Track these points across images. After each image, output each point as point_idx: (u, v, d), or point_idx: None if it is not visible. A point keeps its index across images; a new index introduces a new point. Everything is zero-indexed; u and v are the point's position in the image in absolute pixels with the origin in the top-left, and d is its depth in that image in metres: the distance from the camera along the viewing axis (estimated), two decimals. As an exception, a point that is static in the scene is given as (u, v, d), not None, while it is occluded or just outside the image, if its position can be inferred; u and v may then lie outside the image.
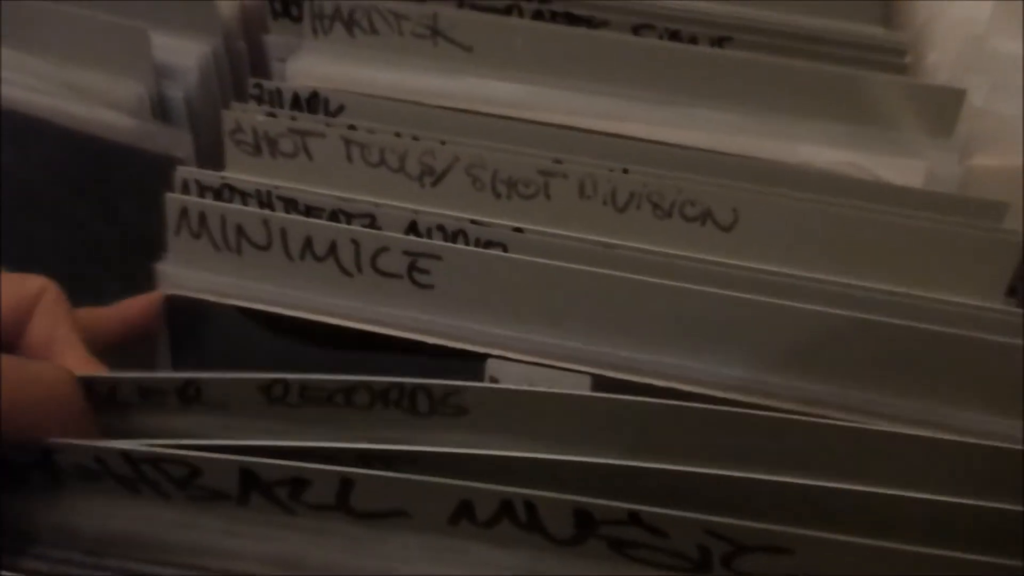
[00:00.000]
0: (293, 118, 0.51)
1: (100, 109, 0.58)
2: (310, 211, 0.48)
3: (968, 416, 0.45)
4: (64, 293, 0.44)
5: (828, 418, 0.41)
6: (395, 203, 0.49)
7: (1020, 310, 0.47)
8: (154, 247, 0.51)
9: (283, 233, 0.47)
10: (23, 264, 0.50)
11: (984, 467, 0.38)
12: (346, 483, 0.35)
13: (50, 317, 0.43)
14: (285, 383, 0.39)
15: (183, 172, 0.49)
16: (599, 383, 0.46)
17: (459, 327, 0.47)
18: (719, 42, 0.59)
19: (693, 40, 0.59)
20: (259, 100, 0.54)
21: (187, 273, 0.49)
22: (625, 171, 0.49)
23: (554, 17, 0.60)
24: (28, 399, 0.36)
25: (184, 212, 0.48)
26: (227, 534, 0.38)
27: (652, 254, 0.47)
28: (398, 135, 0.50)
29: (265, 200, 0.49)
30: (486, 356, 0.47)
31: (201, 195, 0.49)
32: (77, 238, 0.62)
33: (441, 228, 0.48)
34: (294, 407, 0.39)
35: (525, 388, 0.38)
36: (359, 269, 0.47)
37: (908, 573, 0.34)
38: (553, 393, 0.38)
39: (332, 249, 0.47)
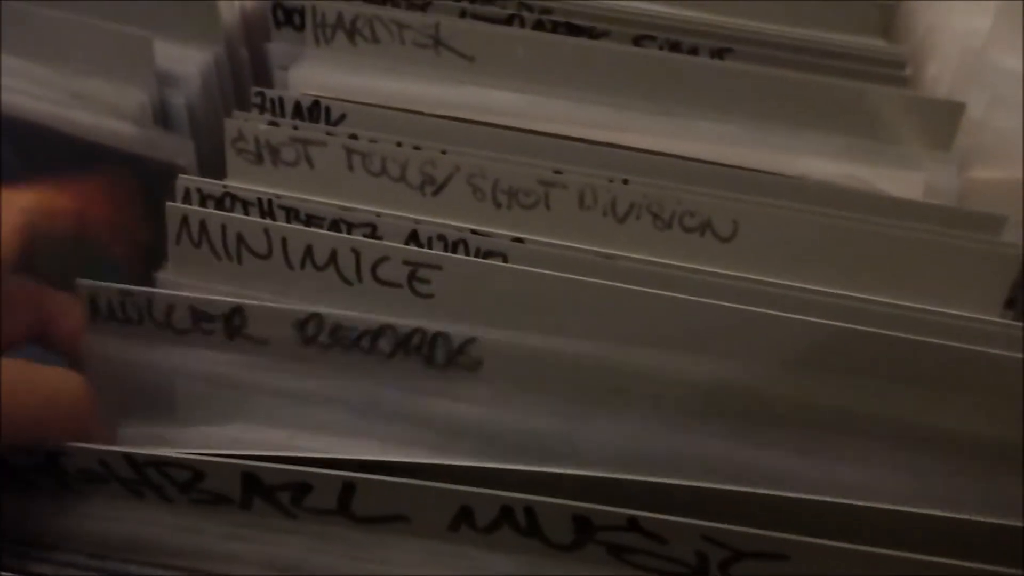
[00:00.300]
0: (295, 127, 0.51)
1: (103, 117, 0.58)
2: (311, 220, 0.49)
3: (968, 430, 0.45)
4: None
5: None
6: (396, 212, 0.49)
7: (1020, 324, 0.47)
8: (156, 256, 0.51)
9: (283, 242, 0.47)
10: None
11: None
12: (348, 488, 0.36)
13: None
14: (320, 319, 0.42)
15: (184, 181, 0.49)
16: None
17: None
18: (720, 53, 0.59)
19: (694, 51, 0.59)
20: (261, 109, 0.54)
21: (187, 282, 0.49)
22: (625, 182, 0.49)
23: (555, 27, 0.60)
24: (37, 404, 0.36)
25: (184, 220, 0.48)
26: (229, 538, 0.38)
27: (652, 264, 0.47)
28: (399, 144, 0.50)
29: (266, 209, 0.49)
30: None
31: (203, 204, 0.49)
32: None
33: (442, 238, 0.48)
34: (325, 348, 0.42)
35: (540, 343, 0.41)
36: (359, 278, 0.47)
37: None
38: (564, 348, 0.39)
39: (332, 258, 0.47)
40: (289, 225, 0.48)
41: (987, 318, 0.47)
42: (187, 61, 0.60)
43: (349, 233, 0.48)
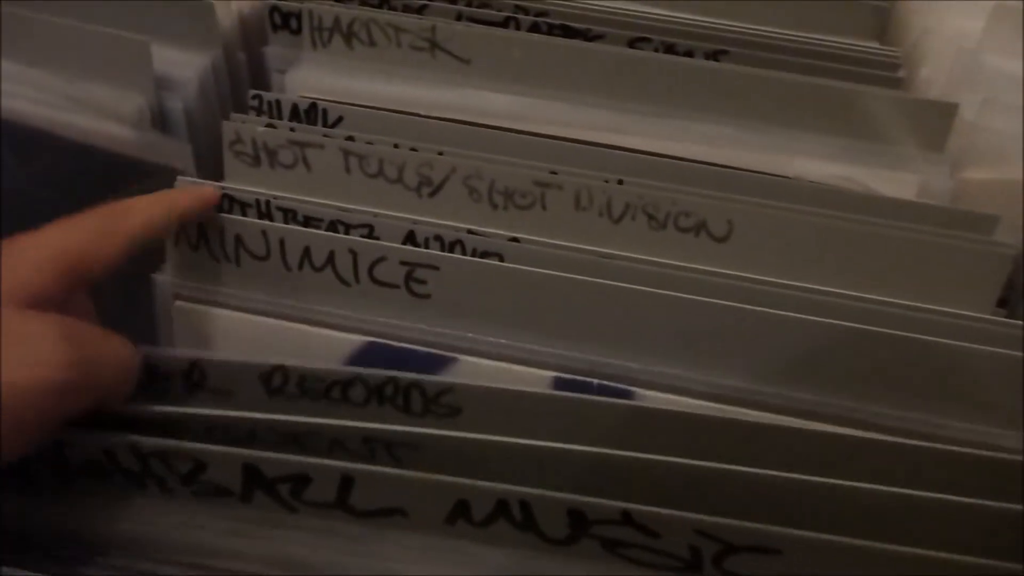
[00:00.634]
0: (292, 129, 0.51)
1: (101, 121, 0.58)
2: (309, 221, 0.49)
3: (965, 427, 0.46)
4: None
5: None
6: (393, 213, 0.49)
7: (1019, 322, 0.47)
8: (154, 259, 0.51)
9: (281, 243, 0.47)
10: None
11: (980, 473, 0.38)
12: (346, 480, 0.36)
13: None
14: (285, 371, 0.40)
15: (182, 183, 0.49)
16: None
17: (455, 336, 0.48)
18: (715, 55, 0.59)
19: (689, 53, 0.59)
20: (258, 111, 0.55)
21: (185, 284, 0.50)
22: (620, 182, 0.49)
23: (551, 30, 0.60)
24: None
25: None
26: (231, 534, 0.38)
27: (647, 264, 0.48)
28: (396, 146, 0.51)
29: (264, 210, 0.49)
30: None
31: (200, 205, 0.49)
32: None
33: (439, 238, 0.48)
34: (293, 399, 0.40)
35: (520, 388, 0.39)
36: (356, 279, 0.47)
37: (898, 573, 0.35)
38: (547, 394, 0.38)
39: (330, 259, 0.47)
40: (287, 226, 0.48)
41: (981, 316, 0.47)
42: (185, 65, 0.60)
43: (347, 234, 0.49)
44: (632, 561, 0.36)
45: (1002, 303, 0.49)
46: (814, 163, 0.55)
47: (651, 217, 0.49)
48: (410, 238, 0.48)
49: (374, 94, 0.58)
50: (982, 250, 0.48)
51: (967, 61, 0.59)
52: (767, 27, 0.62)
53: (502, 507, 0.35)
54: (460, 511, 0.36)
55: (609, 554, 0.36)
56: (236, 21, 0.64)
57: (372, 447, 0.37)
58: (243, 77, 0.64)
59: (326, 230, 0.49)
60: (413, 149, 0.50)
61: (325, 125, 0.54)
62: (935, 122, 0.55)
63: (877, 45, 0.63)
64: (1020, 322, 0.47)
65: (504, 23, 0.60)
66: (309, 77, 0.59)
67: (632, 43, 0.59)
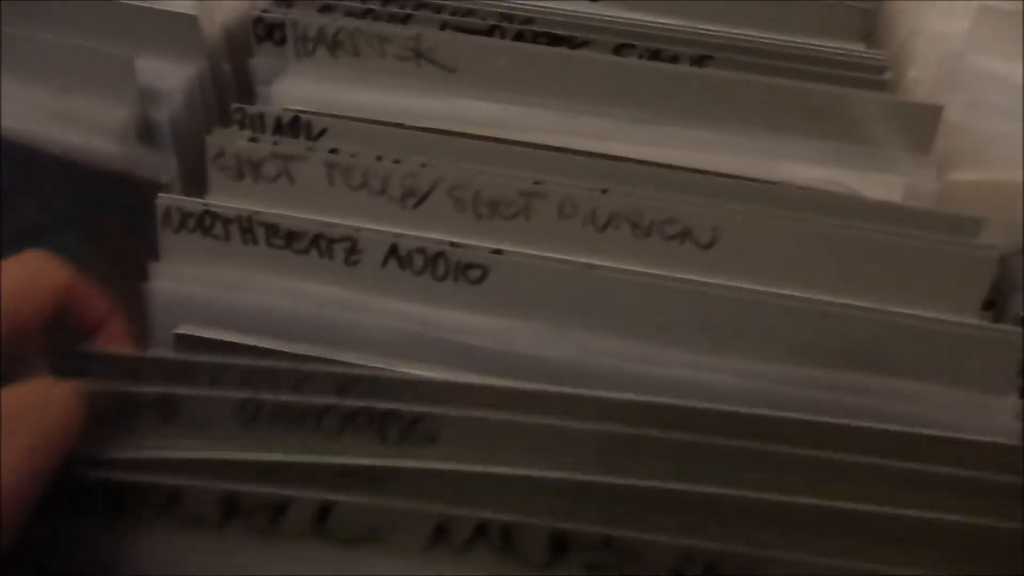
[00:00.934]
0: (275, 142, 0.51)
1: (85, 135, 0.58)
2: (291, 236, 0.49)
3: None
4: None
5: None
6: (376, 227, 0.49)
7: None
8: (141, 271, 0.51)
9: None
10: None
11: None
12: (324, 509, 0.36)
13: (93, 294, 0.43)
14: (258, 403, 0.39)
15: (165, 200, 0.49)
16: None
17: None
18: (700, 61, 0.59)
19: (674, 59, 0.59)
20: (241, 125, 0.55)
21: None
22: (604, 191, 0.49)
23: (536, 38, 0.60)
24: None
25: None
26: (206, 565, 0.38)
27: (632, 274, 0.47)
28: (380, 158, 0.50)
29: (246, 226, 0.49)
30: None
31: (183, 222, 0.49)
32: (65, 263, 0.62)
33: (421, 251, 0.48)
34: (267, 428, 0.40)
35: (497, 415, 0.38)
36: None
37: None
38: (525, 421, 0.38)
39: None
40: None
41: (974, 321, 0.47)
42: (170, 77, 0.60)
43: (330, 247, 0.49)
44: (615, 585, 0.36)
45: (989, 305, 0.49)
46: (800, 167, 0.55)
47: (635, 225, 0.49)
48: (393, 251, 0.48)
49: (359, 104, 0.57)
50: (968, 253, 0.48)
51: (953, 63, 0.59)
52: (752, 31, 0.62)
53: (481, 532, 0.35)
54: (439, 536, 0.36)
55: (591, 577, 0.36)
56: (221, 32, 0.63)
57: (348, 479, 0.37)
58: (229, 89, 0.63)
59: (309, 244, 0.49)
60: (397, 160, 0.50)
61: (308, 138, 0.54)
62: (921, 124, 0.55)
63: (863, 48, 0.62)
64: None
65: (489, 31, 0.60)
66: (294, 88, 0.59)
67: (617, 50, 0.59)
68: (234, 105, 0.55)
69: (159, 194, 0.50)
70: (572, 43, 0.60)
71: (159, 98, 0.59)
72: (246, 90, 0.63)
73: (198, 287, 0.50)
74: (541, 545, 0.35)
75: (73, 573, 0.39)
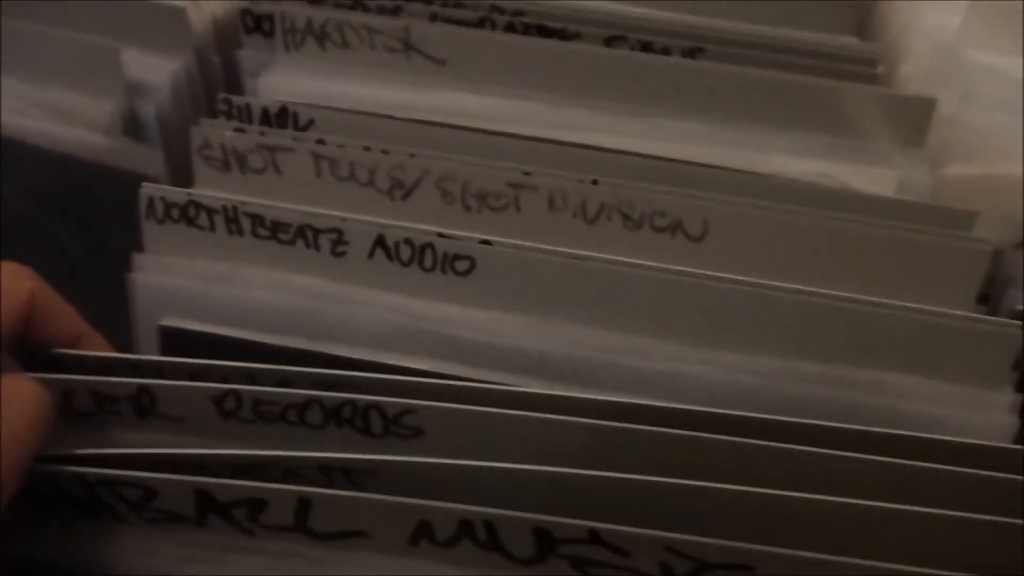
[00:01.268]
0: (262, 133, 0.51)
1: (72, 127, 0.58)
2: (277, 226, 0.48)
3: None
4: None
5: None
6: (362, 217, 0.49)
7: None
8: (128, 264, 0.50)
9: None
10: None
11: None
12: (304, 503, 0.35)
13: (65, 308, 0.42)
14: (238, 396, 0.39)
15: (148, 189, 0.49)
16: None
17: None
18: (692, 53, 0.58)
19: (666, 51, 0.59)
20: (228, 116, 0.54)
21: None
22: (595, 183, 0.48)
23: (526, 29, 0.60)
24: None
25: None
26: (186, 560, 0.37)
27: (622, 265, 0.47)
28: (367, 149, 0.50)
29: (232, 216, 0.48)
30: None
31: (167, 212, 0.49)
32: (53, 256, 0.62)
33: (408, 242, 0.47)
34: (247, 423, 0.39)
35: (482, 409, 0.38)
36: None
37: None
38: (511, 414, 0.37)
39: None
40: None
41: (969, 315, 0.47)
42: (157, 69, 0.59)
43: (316, 237, 0.48)
44: (603, 580, 0.35)
45: (982, 299, 0.49)
46: (792, 160, 0.55)
47: (626, 217, 0.49)
48: (380, 242, 0.48)
49: (348, 96, 0.57)
50: (961, 246, 0.47)
51: (946, 56, 0.58)
52: (744, 24, 0.61)
53: (466, 527, 0.35)
54: (423, 532, 0.35)
55: (578, 573, 0.35)
56: (209, 24, 0.63)
57: (329, 474, 0.36)
58: (217, 81, 0.63)
59: (294, 235, 0.48)
60: (384, 152, 0.50)
61: (296, 128, 0.54)
62: (913, 117, 0.55)
63: (856, 41, 0.62)
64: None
65: (479, 23, 0.60)
66: (283, 80, 0.58)
67: (608, 42, 0.59)
68: (221, 96, 0.54)
69: (142, 185, 0.49)
70: (563, 35, 0.60)
71: (146, 91, 0.59)
72: (234, 83, 0.62)
73: (182, 279, 0.50)
74: (526, 540, 0.35)
75: (48, 569, 0.39)
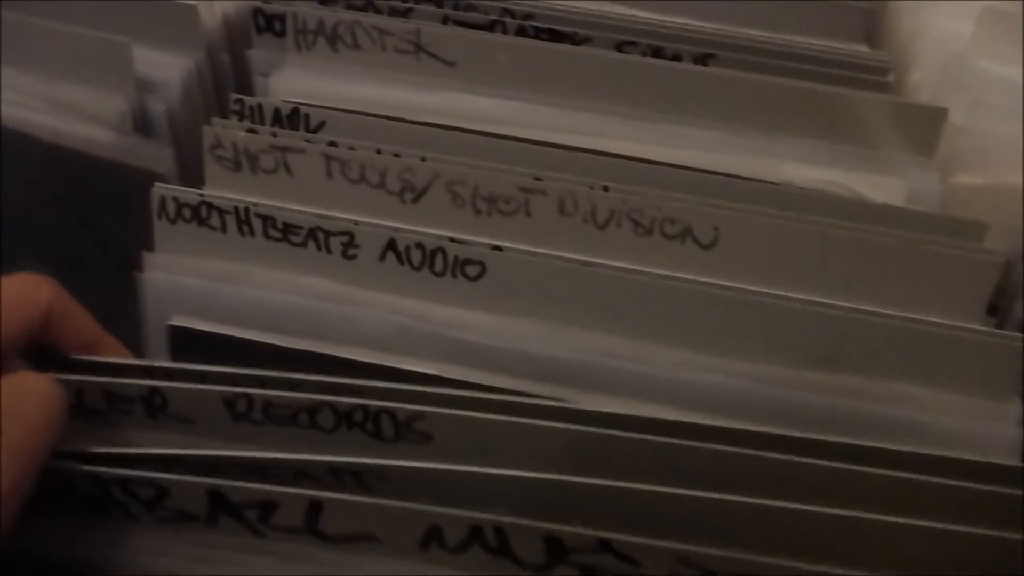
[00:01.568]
0: (274, 134, 0.51)
1: (82, 124, 0.58)
2: (288, 228, 0.48)
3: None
4: None
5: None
6: (374, 220, 0.49)
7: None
8: (136, 261, 0.50)
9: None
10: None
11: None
12: (315, 506, 0.35)
13: (85, 317, 0.42)
14: (249, 398, 0.39)
15: (160, 189, 0.49)
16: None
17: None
18: (702, 59, 0.59)
19: (676, 57, 0.59)
20: (240, 116, 0.54)
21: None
22: (605, 188, 0.49)
23: (537, 33, 0.60)
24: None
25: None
26: (197, 559, 0.37)
27: (632, 272, 0.47)
28: (379, 151, 0.50)
29: (243, 217, 0.48)
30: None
31: (179, 212, 0.49)
32: (58, 252, 0.62)
33: (420, 246, 0.48)
34: (258, 424, 0.39)
35: (492, 416, 0.38)
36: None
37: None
38: (521, 422, 0.37)
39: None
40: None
41: (976, 326, 0.47)
42: (168, 67, 0.59)
43: (327, 240, 0.48)
44: (612, 588, 0.35)
45: (991, 311, 0.49)
46: (802, 168, 0.55)
47: (636, 223, 0.49)
48: (391, 246, 0.48)
49: (358, 97, 0.57)
50: (972, 257, 0.47)
51: (957, 64, 0.58)
52: (755, 30, 0.61)
53: (476, 533, 0.35)
54: (433, 537, 0.35)
55: (587, 580, 0.35)
56: (220, 22, 0.63)
57: (340, 477, 0.36)
58: (227, 79, 0.63)
59: (306, 237, 0.48)
60: (396, 154, 0.50)
61: (307, 130, 0.54)
62: (924, 126, 0.55)
63: (866, 49, 0.62)
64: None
65: (490, 26, 0.60)
66: (293, 80, 0.58)
67: (619, 47, 0.59)
68: (233, 96, 0.54)
69: (155, 184, 0.49)
70: (573, 39, 0.60)
71: (157, 88, 0.59)
72: (244, 82, 0.63)
73: (192, 278, 0.50)
74: (536, 547, 0.35)
75: (56, 566, 0.39)
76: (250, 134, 0.50)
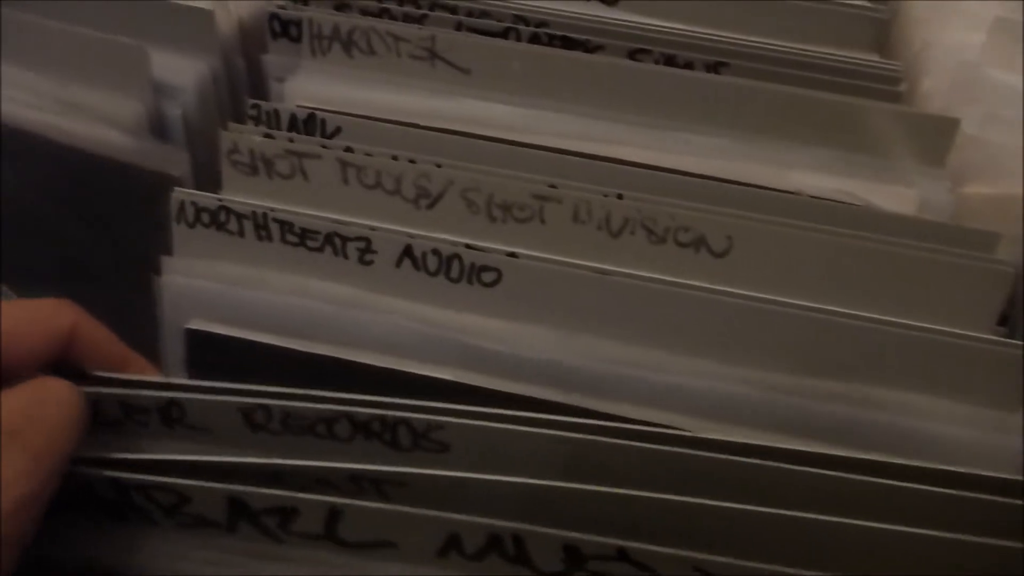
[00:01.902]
0: (290, 139, 0.51)
1: (98, 127, 0.58)
2: (305, 233, 0.49)
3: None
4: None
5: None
6: (390, 226, 0.49)
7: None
8: (151, 264, 0.51)
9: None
10: (18, 280, 0.50)
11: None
12: (335, 513, 0.36)
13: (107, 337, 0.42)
14: (267, 409, 0.39)
15: (180, 194, 0.49)
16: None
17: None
18: (715, 67, 0.59)
19: (689, 65, 0.59)
20: (256, 121, 0.54)
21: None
22: (620, 196, 0.49)
23: (551, 41, 0.60)
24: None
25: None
26: (215, 564, 0.38)
27: (645, 280, 0.47)
28: (394, 158, 0.50)
29: (261, 222, 0.49)
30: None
31: (198, 216, 0.49)
32: (73, 255, 0.62)
33: (436, 252, 0.48)
34: (276, 435, 0.39)
35: (510, 427, 0.38)
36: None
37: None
38: (539, 433, 0.38)
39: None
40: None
41: (983, 335, 0.47)
42: (183, 71, 0.60)
43: (344, 245, 0.49)
44: (628, 598, 0.36)
45: (1003, 321, 0.49)
46: (814, 177, 0.55)
47: (650, 232, 0.49)
48: (407, 252, 0.48)
49: (373, 103, 0.57)
50: (982, 268, 0.48)
51: (968, 75, 0.59)
52: (768, 39, 0.61)
53: (495, 541, 0.35)
54: (452, 544, 0.35)
55: (604, 588, 0.36)
56: (236, 27, 0.63)
57: (359, 484, 0.37)
58: (241, 84, 0.63)
59: (323, 242, 0.49)
60: (411, 161, 0.50)
61: (323, 135, 0.54)
62: (936, 137, 0.55)
63: (878, 58, 0.62)
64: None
65: (504, 33, 0.60)
66: (308, 85, 0.59)
67: (632, 55, 0.59)
68: (250, 101, 0.54)
69: (174, 188, 0.50)
70: (586, 47, 0.60)
71: (173, 92, 0.59)
72: (259, 86, 0.63)
73: (210, 282, 0.50)
74: (555, 556, 0.35)
75: (79, 573, 0.39)
76: (267, 139, 0.51)
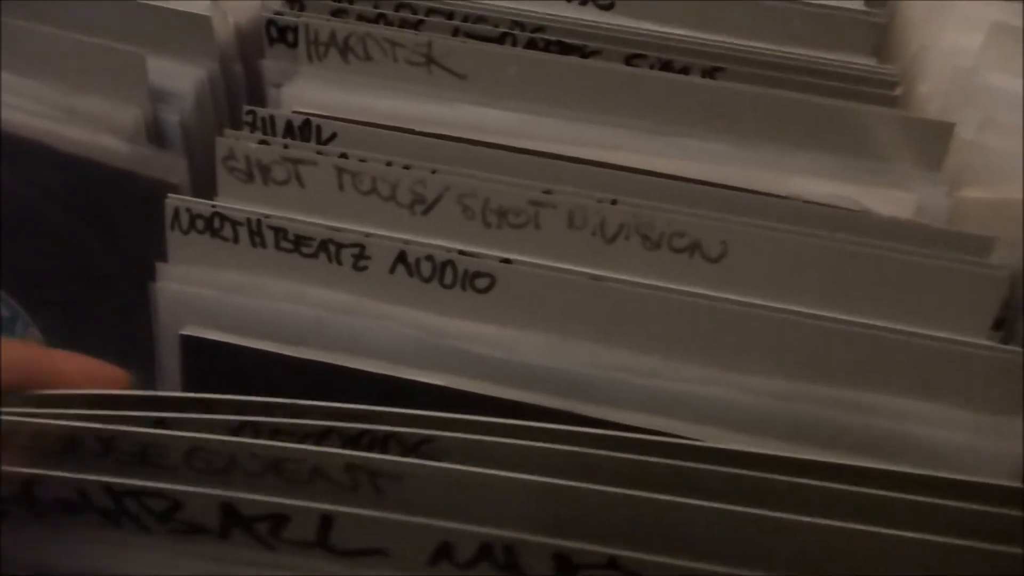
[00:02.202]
0: (285, 146, 0.51)
1: (96, 133, 0.58)
2: (300, 240, 0.49)
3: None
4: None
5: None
6: (384, 232, 0.49)
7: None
8: (149, 271, 0.51)
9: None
10: (17, 287, 0.50)
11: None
12: (327, 520, 0.36)
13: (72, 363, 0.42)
14: (255, 426, 0.38)
15: (174, 201, 0.49)
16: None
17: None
18: (711, 72, 0.59)
19: (685, 70, 0.59)
20: (252, 127, 0.54)
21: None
22: (614, 202, 0.49)
23: (547, 46, 0.60)
24: None
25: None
26: (207, 572, 0.38)
27: (640, 286, 0.47)
28: (389, 164, 0.50)
29: (255, 229, 0.49)
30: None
31: (192, 223, 0.49)
32: (72, 261, 0.62)
33: (430, 258, 0.48)
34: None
35: (500, 440, 0.38)
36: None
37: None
38: (531, 446, 0.38)
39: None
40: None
41: (980, 341, 0.47)
42: (181, 77, 0.60)
43: (338, 252, 0.49)
44: (621, 607, 0.36)
45: (998, 325, 0.49)
46: (810, 181, 0.55)
47: (645, 237, 0.49)
48: (401, 258, 0.48)
49: (369, 109, 0.57)
50: (978, 272, 0.48)
51: (965, 79, 0.59)
52: (764, 44, 0.61)
53: (486, 550, 0.35)
54: (443, 553, 0.35)
55: (594, 596, 0.35)
56: (232, 33, 0.63)
57: (355, 476, 0.36)
58: (239, 89, 0.63)
59: (317, 249, 0.49)
60: (406, 167, 0.50)
61: (319, 142, 0.54)
62: (932, 141, 0.55)
63: (874, 62, 0.62)
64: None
65: (500, 39, 0.60)
66: (305, 91, 0.59)
67: (628, 60, 0.59)
68: (246, 108, 0.54)
69: (168, 195, 0.50)
70: (583, 52, 0.60)
71: (170, 99, 0.59)
72: (257, 92, 0.63)
73: (205, 289, 0.50)
74: (546, 564, 0.35)
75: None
76: (262, 145, 0.51)
